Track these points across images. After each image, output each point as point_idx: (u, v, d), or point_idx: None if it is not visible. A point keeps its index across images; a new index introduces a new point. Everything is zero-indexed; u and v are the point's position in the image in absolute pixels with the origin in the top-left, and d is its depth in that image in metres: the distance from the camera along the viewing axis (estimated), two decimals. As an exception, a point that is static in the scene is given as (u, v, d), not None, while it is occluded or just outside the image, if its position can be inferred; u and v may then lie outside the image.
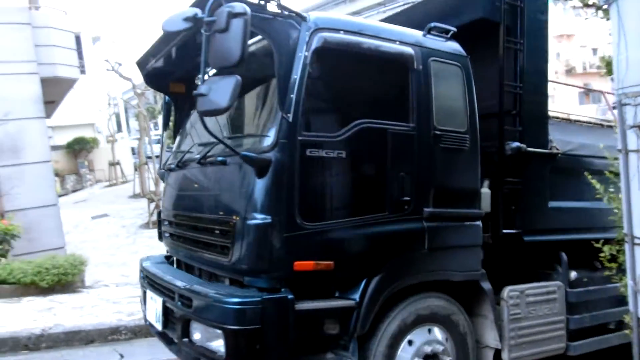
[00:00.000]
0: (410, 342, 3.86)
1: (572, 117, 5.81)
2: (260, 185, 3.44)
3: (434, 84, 4.01)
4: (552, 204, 4.79)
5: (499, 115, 4.51)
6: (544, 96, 4.78)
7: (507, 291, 4.42)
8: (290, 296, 3.38)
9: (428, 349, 3.90)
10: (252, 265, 3.43)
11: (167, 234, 4.73)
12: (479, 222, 4.23)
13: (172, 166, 4.69)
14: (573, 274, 4.93)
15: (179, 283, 3.81)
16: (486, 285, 4.23)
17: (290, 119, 3.42)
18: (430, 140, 3.97)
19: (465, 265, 4.14)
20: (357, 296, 3.63)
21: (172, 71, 4.73)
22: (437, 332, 4.02)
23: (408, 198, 3.85)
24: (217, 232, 3.77)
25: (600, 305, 5.04)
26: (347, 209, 3.67)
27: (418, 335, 3.91)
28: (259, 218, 3.38)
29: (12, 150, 10.29)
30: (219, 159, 3.63)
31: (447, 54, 4.17)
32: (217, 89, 3.06)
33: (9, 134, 10.18)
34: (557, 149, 4.79)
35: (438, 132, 4.00)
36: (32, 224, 9.96)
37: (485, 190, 4.42)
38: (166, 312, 4.01)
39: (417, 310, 3.90)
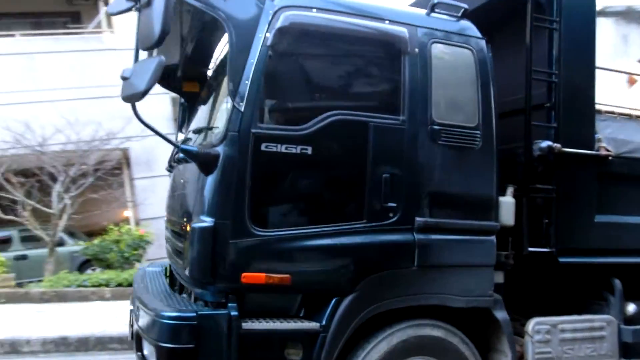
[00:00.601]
0: None
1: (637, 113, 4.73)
2: (207, 184, 3.02)
3: (434, 70, 3.36)
4: (601, 218, 3.87)
5: (526, 107, 3.73)
6: (589, 85, 3.89)
7: (533, 323, 3.59)
8: (233, 313, 2.90)
9: None
10: (195, 274, 3.00)
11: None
12: (492, 237, 3.46)
13: (167, 168, 4.44)
14: (632, 307, 3.95)
15: (138, 294, 3.48)
16: (500, 315, 3.44)
17: (243, 109, 2.97)
18: (426, 136, 3.31)
19: (470, 289, 3.39)
20: (323, 319, 3.06)
21: (185, 69, 4.48)
22: None
23: (394, 204, 3.22)
24: (178, 236, 3.41)
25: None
26: (311, 214, 3.13)
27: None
28: (202, 221, 2.96)
29: (147, 163, 11.33)
30: (180, 156, 3.28)
31: (456, 36, 3.50)
32: (139, 71, 2.71)
33: (145, 149, 10.98)
34: (608, 150, 3.87)
35: (437, 127, 3.33)
36: (162, 232, 10.58)
37: (508, 199, 3.64)
38: (132, 322, 3.70)
39: (404, 340, 3.23)
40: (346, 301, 3.10)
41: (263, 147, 3.00)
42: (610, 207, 3.92)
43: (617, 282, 3.92)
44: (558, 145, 3.68)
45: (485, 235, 3.45)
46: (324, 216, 3.13)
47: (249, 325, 2.95)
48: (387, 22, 3.33)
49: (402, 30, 3.33)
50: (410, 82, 3.30)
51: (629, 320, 3.94)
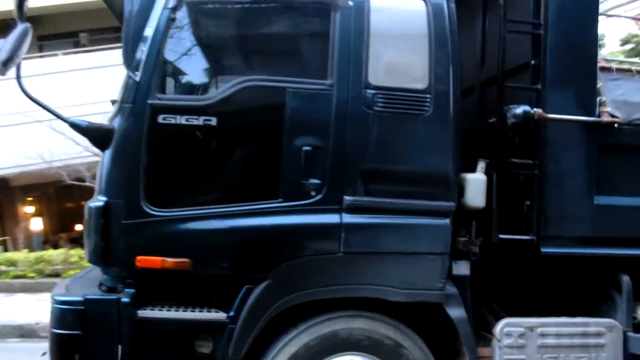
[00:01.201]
0: None
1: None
2: (104, 160, 2.81)
3: (373, 25, 2.87)
4: (602, 200, 3.12)
5: (498, 65, 3.11)
6: (587, 37, 3.14)
7: (502, 325, 2.99)
8: (124, 299, 2.68)
9: None
10: (90, 257, 2.82)
11: None
12: (444, 221, 2.90)
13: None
14: (645, 311, 3.17)
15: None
16: (454, 312, 2.88)
17: (139, 78, 2.72)
18: (358, 102, 2.84)
19: (413, 281, 2.87)
20: (233, 309, 2.74)
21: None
22: None
23: (317, 181, 2.80)
24: None
25: None
26: (215, 193, 2.81)
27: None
28: (96, 200, 2.76)
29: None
30: None
31: (403, -16, 2.98)
32: (5, 42, 2.55)
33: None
34: (614, 116, 3.12)
35: (372, 91, 2.85)
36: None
37: (475, 177, 3.06)
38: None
39: (334, 333, 2.81)
40: (257, 290, 2.75)
41: (160, 119, 2.72)
42: (615, 187, 3.16)
43: (626, 279, 3.16)
44: (538, 111, 3.01)
45: (435, 218, 2.90)
46: (230, 195, 2.80)
47: (146, 313, 2.71)
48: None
49: None
50: (340, 40, 2.84)
51: (638, 326, 3.17)
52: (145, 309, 2.73)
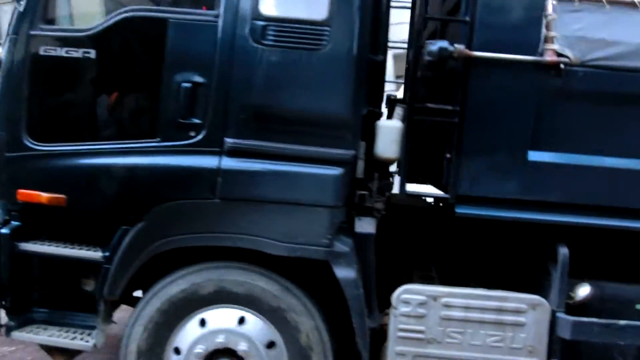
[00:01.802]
0: (203, 322, 2.67)
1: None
2: (-8, 94, 2.82)
3: None
4: (537, 155, 2.62)
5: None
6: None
7: (400, 291, 2.65)
8: (4, 231, 2.70)
9: (220, 339, 2.64)
10: None
11: None
12: (335, 170, 2.60)
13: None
14: (584, 290, 2.66)
15: None
16: (341, 272, 2.60)
17: (22, 8, 2.67)
18: (246, 34, 2.58)
19: (295, 234, 2.60)
20: (109, 249, 2.68)
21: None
22: (253, 325, 2.67)
23: (198, 121, 2.61)
24: None
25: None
26: (94, 129, 2.73)
27: (216, 317, 2.67)
28: (-17, 132, 2.79)
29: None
30: None
31: None
32: None
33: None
34: (563, 56, 2.57)
35: (262, 23, 2.57)
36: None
37: (388, 124, 2.71)
38: None
39: (220, 282, 2.66)
40: (132, 232, 2.65)
41: (42, 51, 2.66)
42: (556, 141, 2.64)
43: (563, 252, 2.66)
44: (459, 47, 2.56)
45: (326, 167, 2.61)
46: (109, 132, 2.72)
47: (27, 246, 2.73)
48: None
49: None
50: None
51: (576, 307, 2.66)
52: (27, 243, 2.74)
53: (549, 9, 2.62)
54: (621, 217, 2.63)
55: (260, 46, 2.58)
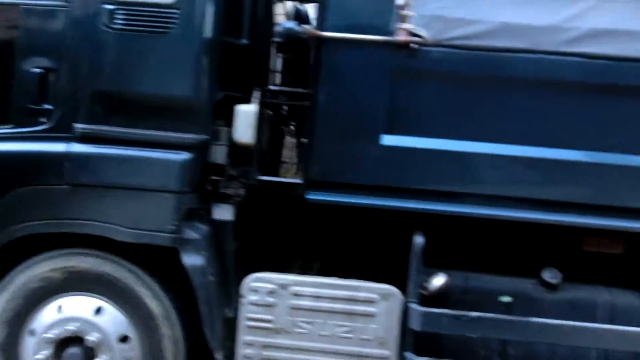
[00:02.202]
0: (60, 309, 2.67)
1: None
2: None
3: None
4: (391, 139, 2.52)
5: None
6: None
7: (250, 279, 2.59)
8: None
9: (72, 327, 2.63)
10: None
11: None
12: (180, 155, 2.55)
13: None
14: (438, 280, 2.56)
15: None
16: (189, 260, 2.56)
17: None
18: (95, 18, 2.55)
19: (141, 220, 2.57)
20: (-32, 234, 2.70)
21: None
22: (109, 316, 2.64)
23: (50, 107, 2.61)
24: None
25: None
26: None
27: (72, 305, 2.66)
28: None
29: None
30: None
31: None
32: None
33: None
34: (417, 35, 2.45)
35: (112, 6, 2.54)
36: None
37: (243, 109, 2.64)
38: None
39: (65, 269, 2.64)
40: (-14, 218, 2.67)
41: None
42: (411, 125, 2.53)
43: (418, 241, 2.55)
44: (308, 28, 2.48)
45: (173, 151, 2.56)
46: None
47: None
48: None
49: None
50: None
51: (435, 298, 2.56)
52: None
53: (407, -13, 2.52)
54: (477, 204, 2.52)
55: (109, 30, 2.55)
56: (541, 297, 2.61)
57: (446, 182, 2.53)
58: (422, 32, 2.46)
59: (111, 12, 2.55)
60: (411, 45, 2.45)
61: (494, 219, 2.54)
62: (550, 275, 2.60)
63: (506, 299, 2.60)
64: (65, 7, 2.58)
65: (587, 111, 2.48)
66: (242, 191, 2.69)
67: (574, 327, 2.44)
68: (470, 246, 2.75)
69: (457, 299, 2.61)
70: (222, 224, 2.68)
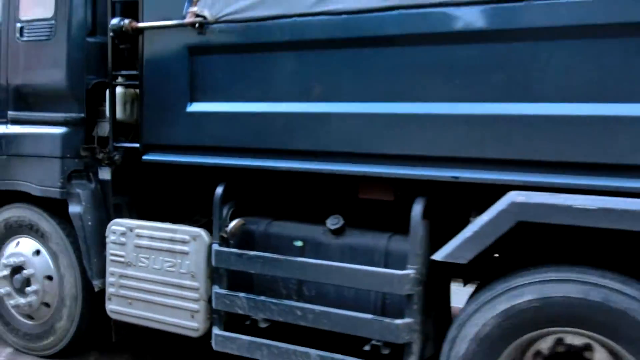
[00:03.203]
0: (17, 244, 3.73)
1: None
2: None
3: None
4: (194, 106, 2.99)
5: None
6: None
7: (111, 223, 3.32)
8: None
9: (12, 261, 3.68)
10: None
11: None
12: (60, 129, 3.40)
13: None
14: (232, 224, 2.94)
15: None
16: (72, 209, 3.39)
17: None
18: (14, 33, 3.54)
19: (43, 179, 3.46)
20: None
21: None
22: (42, 257, 3.64)
23: (-3, 102, 3.69)
24: None
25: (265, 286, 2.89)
26: None
27: (23, 244, 3.71)
28: None
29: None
30: None
31: None
32: None
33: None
34: (201, 16, 2.88)
35: (21, 24, 3.51)
36: None
37: (118, 91, 3.36)
38: None
39: (6, 219, 3.75)
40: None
41: None
42: (208, 93, 2.95)
43: (218, 189, 2.98)
44: (127, 21, 3.08)
45: (58, 127, 3.41)
46: None
47: None
48: None
49: None
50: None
51: (231, 239, 2.95)
52: None
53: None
54: (270, 158, 2.82)
55: (20, 41, 3.51)
56: (327, 242, 2.82)
57: (241, 140, 2.90)
58: (205, 12, 2.88)
59: (20, 28, 3.49)
60: (197, 24, 2.89)
61: (290, 171, 2.83)
62: (331, 222, 2.80)
63: (299, 243, 2.89)
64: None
65: (345, 65, 2.63)
66: (117, 156, 3.40)
67: (328, 266, 2.66)
68: (276, 196, 3.07)
69: (261, 243, 2.98)
70: (104, 182, 3.45)
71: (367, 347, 2.68)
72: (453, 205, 2.70)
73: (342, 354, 2.70)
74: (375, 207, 2.87)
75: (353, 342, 2.69)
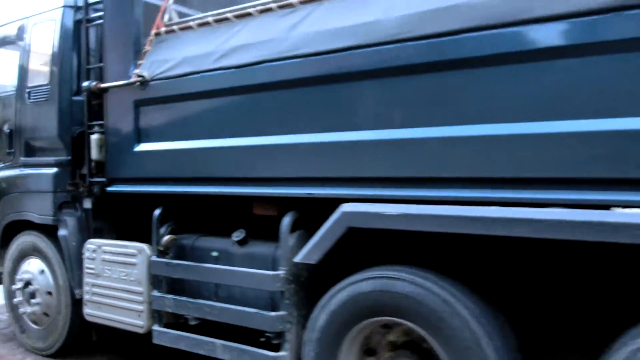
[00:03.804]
0: (29, 264, 4.68)
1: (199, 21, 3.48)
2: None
3: (33, 45, 4.55)
4: (141, 146, 3.79)
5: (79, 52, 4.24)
6: (129, 19, 3.83)
7: (87, 243, 4.14)
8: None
9: (24, 277, 4.60)
10: None
11: None
12: (51, 170, 4.33)
13: None
14: (164, 240, 3.65)
15: None
16: (60, 232, 4.27)
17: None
18: (24, 98, 4.56)
19: (41, 210, 4.37)
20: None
21: None
22: (34, 265, 4.58)
23: (12, 150, 4.70)
24: None
25: (192, 289, 3.56)
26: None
27: (32, 265, 4.65)
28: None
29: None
30: None
31: (50, 12, 4.46)
32: None
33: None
34: (141, 76, 3.70)
35: (29, 90, 4.53)
36: None
37: (93, 137, 4.24)
38: None
39: (20, 243, 4.69)
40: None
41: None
42: (149, 135, 3.74)
43: (156, 212, 3.72)
44: (94, 83, 3.98)
45: (50, 168, 4.34)
46: None
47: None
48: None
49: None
50: (20, 61, 4.63)
51: (165, 252, 3.65)
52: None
53: (147, 44, 3.80)
54: (193, 184, 3.53)
55: (28, 103, 4.52)
56: (234, 251, 3.44)
57: (172, 171, 3.63)
58: (144, 73, 3.69)
59: (28, 92, 4.51)
60: (138, 83, 3.71)
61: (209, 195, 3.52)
62: (236, 235, 3.42)
63: (215, 253, 3.54)
64: (11, 93, 4.66)
65: (234, 109, 3.32)
66: (96, 189, 4.25)
67: (223, 270, 3.32)
68: (205, 215, 3.78)
69: (190, 254, 3.66)
70: (87, 210, 4.31)
71: (262, 339, 3.24)
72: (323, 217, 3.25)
73: (243, 344, 3.28)
74: (273, 221, 3.47)
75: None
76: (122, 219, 4.36)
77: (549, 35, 2.29)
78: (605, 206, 2.23)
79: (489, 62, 2.42)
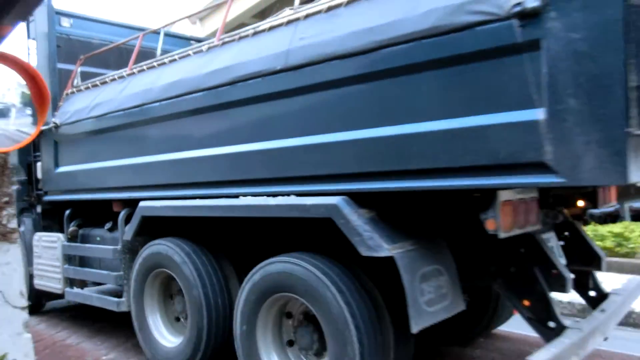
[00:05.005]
0: None
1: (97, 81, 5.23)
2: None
3: None
4: (60, 169, 5.65)
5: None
6: (51, 77, 5.72)
7: (35, 235, 6.06)
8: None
9: None
10: None
11: None
12: (15, 187, 6.27)
13: None
14: (71, 229, 5.49)
15: None
16: (20, 229, 6.21)
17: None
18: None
19: (11, 214, 6.35)
20: None
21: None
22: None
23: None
24: None
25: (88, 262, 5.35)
26: None
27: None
28: None
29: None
30: None
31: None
32: None
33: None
34: (55, 123, 5.59)
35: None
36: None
37: (38, 163, 6.20)
38: None
39: None
40: None
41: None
42: (65, 161, 5.59)
43: (66, 212, 5.56)
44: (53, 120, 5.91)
45: (17, 185, 6.31)
46: None
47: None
48: None
49: None
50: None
51: (71, 238, 5.48)
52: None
53: (61, 100, 5.68)
54: (92, 193, 5.34)
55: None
56: (107, 236, 5.20)
57: (75, 185, 5.48)
58: (57, 120, 5.56)
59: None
60: (52, 127, 5.58)
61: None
62: (107, 225, 5.18)
63: (98, 238, 5.32)
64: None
65: (125, 141, 5.10)
66: (41, 199, 6.17)
67: (87, 247, 5.07)
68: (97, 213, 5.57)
69: (87, 240, 5.46)
70: (38, 214, 6.24)
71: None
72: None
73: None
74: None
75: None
76: (59, 218, 6.27)
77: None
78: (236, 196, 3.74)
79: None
